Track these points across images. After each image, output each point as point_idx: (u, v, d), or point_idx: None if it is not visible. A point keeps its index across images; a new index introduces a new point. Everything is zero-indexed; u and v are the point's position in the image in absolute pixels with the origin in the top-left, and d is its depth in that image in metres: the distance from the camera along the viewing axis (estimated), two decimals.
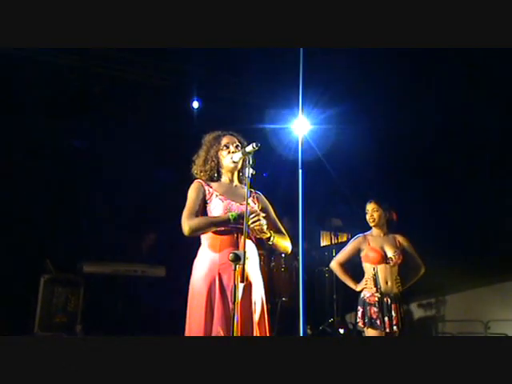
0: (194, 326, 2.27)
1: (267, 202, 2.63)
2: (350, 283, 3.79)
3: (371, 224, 3.81)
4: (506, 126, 5.16)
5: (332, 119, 6.95)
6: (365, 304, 3.62)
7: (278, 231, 2.50)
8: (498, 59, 4.54)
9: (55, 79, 5.68)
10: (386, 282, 3.63)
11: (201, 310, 2.25)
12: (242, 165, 2.55)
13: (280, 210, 2.67)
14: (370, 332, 3.57)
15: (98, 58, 5.89)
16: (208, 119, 5.88)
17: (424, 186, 6.12)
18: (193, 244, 2.47)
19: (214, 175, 2.56)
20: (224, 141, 2.57)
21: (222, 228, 2.36)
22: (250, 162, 2.27)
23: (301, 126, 6.76)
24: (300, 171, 6.39)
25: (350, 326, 6.22)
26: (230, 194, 2.48)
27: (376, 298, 3.59)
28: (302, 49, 4.29)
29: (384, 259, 3.65)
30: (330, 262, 4.13)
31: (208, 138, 2.63)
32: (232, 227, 2.35)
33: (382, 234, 3.79)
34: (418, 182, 6.15)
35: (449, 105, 5.62)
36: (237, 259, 2.07)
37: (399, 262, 3.69)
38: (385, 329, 3.51)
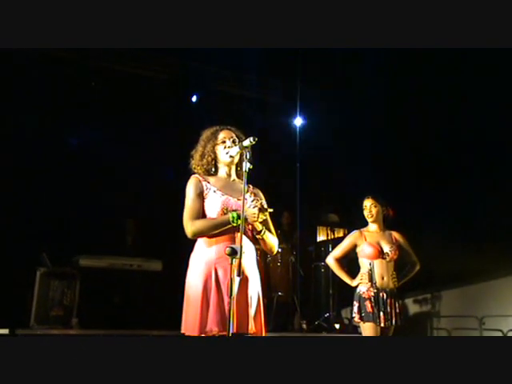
0: (189, 320, 2.28)
1: (263, 198, 2.63)
2: (346, 278, 3.81)
3: (369, 220, 3.82)
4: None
5: (330, 114, 6.97)
6: (361, 299, 3.63)
7: (268, 230, 2.48)
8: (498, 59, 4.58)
9: (52, 73, 5.68)
10: (382, 278, 3.65)
11: (196, 304, 2.26)
12: (240, 159, 2.55)
13: (279, 206, 2.67)
14: (365, 327, 3.59)
15: (96, 52, 5.88)
16: (206, 113, 5.87)
17: (419, 183, 6.15)
18: (189, 238, 2.47)
19: (211, 169, 2.56)
20: (221, 135, 2.57)
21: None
22: (248, 157, 2.27)
23: (299, 121, 6.78)
24: (298, 165, 6.44)
25: (346, 321, 6.25)
26: (227, 188, 2.48)
27: (372, 293, 3.61)
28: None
29: (380, 254, 3.67)
30: (326, 258, 4.15)
31: (206, 132, 2.63)
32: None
33: (378, 230, 3.81)
34: (413, 178, 6.17)
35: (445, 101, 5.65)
36: (233, 253, 2.07)
37: (395, 257, 3.71)
38: (380, 323, 3.54)
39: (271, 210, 2.35)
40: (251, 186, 2.57)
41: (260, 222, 2.36)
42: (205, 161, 2.54)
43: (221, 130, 2.60)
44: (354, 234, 3.85)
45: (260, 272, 2.48)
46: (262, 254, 5.81)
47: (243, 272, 2.20)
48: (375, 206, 3.80)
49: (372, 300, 3.58)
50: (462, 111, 5.52)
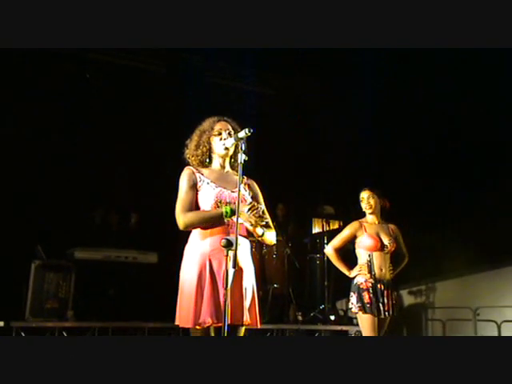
0: (184, 311, 2.27)
1: (258, 189, 2.62)
2: (344, 269, 3.80)
3: (368, 211, 3.80)
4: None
5: (328, 106, 6.97)
6: (359, 290, 3.63)
7: (266, 223, 2.47)
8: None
9: (50, 65, 5.65)
10: (381, 269, 3.65)
11: (191, 296, 2.25)
12: (235, 151, 2.53)
13: (275, 197, 2.66)
14: (363, 318, 3.59)
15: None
16: (203, 105, 5.85)
17: (414, 174, 6.16)
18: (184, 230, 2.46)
19: (206, 160, 2.54)
20: (217, 127, 2.55)
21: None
22: (243, 148, 2.26)
23: (295, 113, 6.76)
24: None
25: (341, 313, 6.27)
26: (221, 180, 2.47)
27: (370, 284, 3.61)
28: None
29: (381, 247, 3.67)
30: (321, 250, 4.16)
31: (203, 123, 2.61)
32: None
33: (376, 222, 3.81)
34: (407, 170, 6.18)
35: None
36: (229, 245, 2.07)
37: (393, 249, 3.72)
38: (379, 314, 3.55)
39: (263, 207, 2.32)
40: (245, 177, 2.56)
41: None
42: (199, 151, 2.53)
43: (217, 121, 2.58)
44: (354, 224, 3.83)
45: (254, 264, 2.48)
46: (258, 246, 5.82)
47: (238, 264, 2.20)
48: (373, 198, 3.79)
49: (370, 291, 3.59)
50: (460, 106, 5.52)
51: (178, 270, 2.41)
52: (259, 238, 2.45)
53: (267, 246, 5.96)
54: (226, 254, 2.10)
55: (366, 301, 3.58)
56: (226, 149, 2.48)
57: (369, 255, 3.66)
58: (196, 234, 2.39)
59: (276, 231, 2.59)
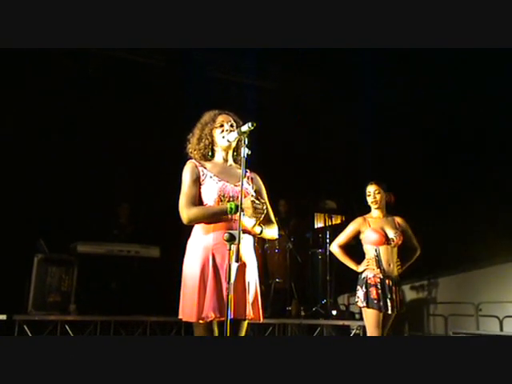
0: (187, 305, 2.27)
1: (261, 183, 2.61)
2: (352, 264, 3.79)
3: (374, 206, 3.79)
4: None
5: (329, 101, 6.94)
6: (367, 285, 3.62)
7: (268, 218, 2.46)
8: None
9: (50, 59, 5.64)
10: (389, 264, 3.64)
11: (194, 290, 2.24)
12: (237, 144, 2.52)
13: (277, 192, 2.65)
14: (368, 313, 3.58)
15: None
16: (204, 99, 5.83)
17: (418, 169, 6.14)
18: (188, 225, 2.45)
19: (208, 154, 2.53)
20: (219, 119, 2.54)
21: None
22: (246, 142, 2.24)
23: (297, 107, 6.74)
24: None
25: (343, 308, 6.28)
26: (224, 174, 2.45)
27: (378, 279, 3.59)
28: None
29: (386, 240, 3.66)
30: (323, 244, 4.15)
31: (204, 116, 2.59)
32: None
33: (381, 216, 3.79)
34: (411, 164, 6.17)
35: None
36: (232, 239, 2.06)
37: (399, 243, 3.70)
38: (386, 310, 3.54)
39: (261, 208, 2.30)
40: (249, 171, 2.55)
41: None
42: (202, 144, 2.51)
43: (219, 114, 2.57)
44: (358, 220, 3.82)
45: (257, 258, 2.47)
46: (260, 241, 5.82)
47: (241, 258, 2.19)
48: (379, 192, 3.78)
49: (378, 287, 3.57)
50: (465, 101, 5.51)
51: (180, 264, 2.40)
52: (258, 236, 2.43)
53: (268, 240, 5.97)
54: (228, 248, 2.09)
55: (372, 296, 3.56)
56: (229, 142, 2.47)
57: (376, 249, 3.65)
58: (199, 228, 2.38)
59: (278, 226, 2.58)
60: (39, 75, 5.70)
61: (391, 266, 3.64)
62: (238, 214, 2.14)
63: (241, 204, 2.16)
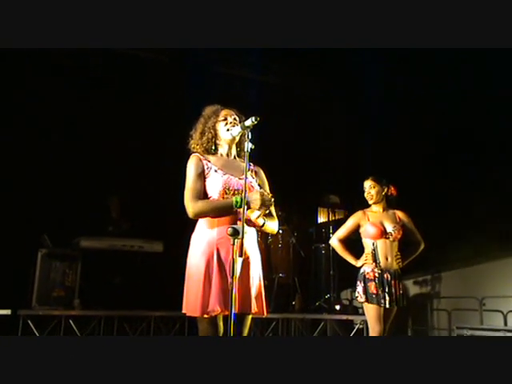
0: (191, 300, 2.26)
1: (264, 176, 2.61)
2: (351, 259, 3.80)
3: (370, 201, 3.82)
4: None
5: (333, 95, 6.92)
6: (365, 280, 3.63)
7: (269, 212, 2.46)
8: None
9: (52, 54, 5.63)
10: (386, 258, 3.64)
11: (198, 285, 2.24)
12: (240, 139, 2.51)
13: (280, 187, 2.64)
14: (369, 308, 3.59)
15: None
16: (206, 94, 5.81)
17: (421, 163, 6.13)
18: (190, 218, 2.45)
19: (211, 147, 2.51)
20: (222, 113, 2.53)
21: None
22: (249, 137, 2.24)
23: (300, 102, 6.71)
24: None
25: (346, 302, 6.28)
26: (228, 168, 2.45)
27: (376, 274, 3.60)
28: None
29: (383, 234, 3.66)
30: (327, 239, 4.16)
31: (206, 110, 2.59)
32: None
33: (381, 210, 3.80)
34: (414, 159, 6.15)
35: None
36: (235, 233, 2.06)
37: (399, 237, 3.70)
38: (385, 304, 3.54)
39: (270, 199, 2.31)
40: (252, 165, 2.55)
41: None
42: (205, 138, 2.50)
43: (221, 108, 2.57)
44: (357, 214, 3.84)
45: (260, 253, 2.47)
46: (263, 236, 5.82)
47: (245, 252, 2.19)
48: (374, 187, 3.78)
49: (376, 281, 3.58)
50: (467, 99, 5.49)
51: (184, 258, 2.40)
52: (260, 229, 2.43)
53: (272, 235, 5.97)
54: (232, 242, 2.09)
55: (371, 291, 3.57)
56: (232, 136, 2.46)
57: (373, 244, 3.66)
58: (203, 222, 2.37)
59: (280, 221, 2.59)
60: (40, 74, 5.70)
61: (389, 259, 3.64)
62: (242, 209, 2.14)
63: (244, 197, 2.15)
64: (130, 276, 5.26)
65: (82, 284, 4.93)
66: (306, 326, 5.64)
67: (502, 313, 4.84)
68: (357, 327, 5.28)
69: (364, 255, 3.73)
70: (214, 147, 2.52)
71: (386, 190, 3.82)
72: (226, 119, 2.51)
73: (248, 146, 2.22)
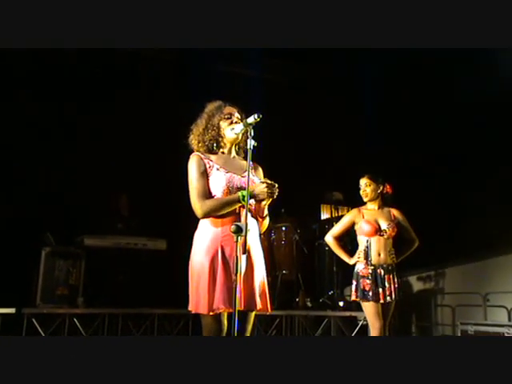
0: (198, 298, 2.24)
1: (263, 175, 2.59)
2: (344, 257, 3.86)
3: (365, 199, 3.87)
4: None
5: (333, 92, 6.90)
6: (358, 277, 3.68)
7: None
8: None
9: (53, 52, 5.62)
10: (379, 254, 3.67)
11: (204, 283, 2.23)
12: (242, 137, 2.50)
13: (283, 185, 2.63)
14: (365, 305, 3.64)
15: None
16: (207, 92, 5.80)
17: (422, 158, 6.12)
18: (193, 216, 2.45)
19: (213, 145, 2.47)
20: (226, 110, 2.50)
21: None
22: (252, 134, 2.23)
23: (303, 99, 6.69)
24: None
25: (350, 299, 6.27)
26: (229, 166, 2.43)
27: (369, 271, 3.64)
28: None
29: (378, 232, 3.69)
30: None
31: (209, 106, 2.55)
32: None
33: (376, 208, 3.84)
34: (415, 154, 6.14)
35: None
36: (239, 231, 2.06)
37: (393, 234, 3.73)
38: (379, 300, 3.56)
39: (277, 187, 2.31)
40: (252, 162, 2.53)
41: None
42: (208, 135, 2.46)
43: (224, 105, 2.54)
44: (353, 211, 3.90)
45: (263, 250, 2.47)
46: (266, 233, 5.82)
47: (248, 250, 2.19)
48: (369, 185, 3.82)
49: (369, 278, 3.62)
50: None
51: (187, 256, 2.39)
52: (261, 220, 2.43)
53: (275, 232, 5.97)
54: (235, 240, 2.09)
55: (364, 288, 3.61)
56: (236, 134, 2.44)
57: (367, 241, 3.69)
58: (207, 220, 2.35)
59: (284, 218, 2.59)
60: (44, 73, 5.71)
61: (382, 255, 3.67)
62: (246, 204, 2.14)
63: (247, 195, 2.15)
64: (133, 274, 5.27)
65: (85, 282, 4.94)
66: (309, 322, 5.64)
67: (506, 308, 4.83)
68: (360, 323, 5.28)
69: (357, 252, 3.76)
70: (216, 145, 2.48)
71: (381, 188, 3.84)
72: (230, 117, 2.48)
73: (251, 143, 2.21)
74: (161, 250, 5.43)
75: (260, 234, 2.48)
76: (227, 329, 2.24)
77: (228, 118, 2.48)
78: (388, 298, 3.59)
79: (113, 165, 5.82)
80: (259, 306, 2.29)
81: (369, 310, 3.60)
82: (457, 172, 5.72)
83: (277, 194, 2.29)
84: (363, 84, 6.30)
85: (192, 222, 2.46)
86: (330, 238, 3.94)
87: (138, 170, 5.92)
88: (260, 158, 2.52)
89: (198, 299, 2.24)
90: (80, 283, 4.91)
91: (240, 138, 2.49)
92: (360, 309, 5.56)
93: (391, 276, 3.66)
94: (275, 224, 6.00)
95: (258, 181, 2.42)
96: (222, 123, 2.48)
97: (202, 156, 2.42)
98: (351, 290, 3.74)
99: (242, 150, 2.56)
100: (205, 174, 2.38)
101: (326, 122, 6.98)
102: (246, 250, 2.08)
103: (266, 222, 2.47)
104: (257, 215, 2.41)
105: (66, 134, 5.87)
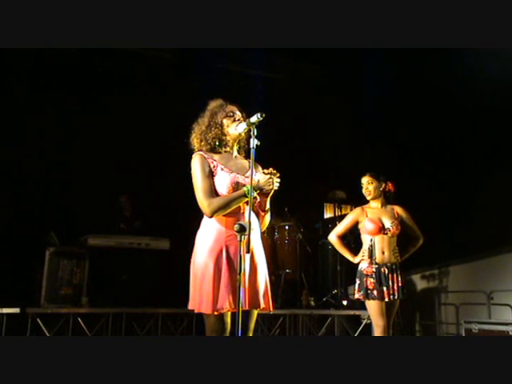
0: (201, 298, 2.23)
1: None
2: (348, 255, 3.85)
3: (367, 197, 3.85)
4: None
5: (336, 91, 6.89)
6: (361, 276, 3.67)
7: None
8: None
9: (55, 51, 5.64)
10: (383, 252, 3.66)
11: (209, 282, 2.22)
12: (244, 136, 2.49)
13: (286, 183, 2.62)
14: (369, 304, 3.63)
15: None
16: (209, 91, 5.80)
17: (424, 156, 6.11)
18: (196, 215, 2.45)
19: (216, 144, 2.46)
20: (229, 108, 2.50)
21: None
22: (255, 133, 2.23)
23: (305, 97, 6.67)
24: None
25: (353, 298, 6.27)
26: (232, 165, 2.43)
27: (373, 269, 3.62)
28: None
29: (381, 230, 3.67)
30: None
31: (212, 104, 2.54)
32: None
33: (379, 206, 3.82)
34: (418, 152, 6.13)
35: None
36: (242, 230, 2.06)
37: (397, 232, 3.72)
38: (383, 299, 3.55)
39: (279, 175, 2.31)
40: (250, 162, 2.51)
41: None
42: (211, 134, 2.45)
43: (225, 104, 2.53)
44: (356, 210, 3.89)
45: (265, 249, 2.46)
46: (269, 232, 5.82)
47: (251, 249, 2.19)
48: (371, 183, 3.81)
49: (373, 276, 3.61)
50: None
51: (190, 255, 2.39)
52: (263, 214, 2.43)
53: (278, 230, 5.97)
54: (239, 239, 2.08)
55: (368, 286, 3.60)
56: (238, 133, 2.44)
57: (371, 240, 3.68)
58: (209, 219, 2.35)
59: (287, 217, 2.59)
60: (48, 73, 5.72)
61: (386, 253, 3.66)
62: (250, 202, 2.14)
63: (251, 193, 2.15)
64: (137, 273, 5.28)
65: (89, 282, 4.95)
66: (313, 321, 5.64)
67: (511, 307, 4.81)
68: (364, 322, 5.27)
69: (361, 251, 3.75)
70: (218, 143, 2.47)
71: (383, 185, 3.83)
72: (232, 115, 2.48)
73: (254, 142, 2.21)
74: (164, 249, 5.43)
75: (261, 233, 2.48)
76: (230, 328, 2.23)
77: (231, 116, 2.48)
78: (392, 297, 3.59)
79: (115, 165, 5.82)
80: (263, 305, 2.29)
81: (372, 308, 3.59)
82: (461, 169, 5.71)
83: (279, 180, 2.30)
84: (368, 83, 6.29)
85: (194, 221, 2.46)
86: (333, 237, 3.94)
87: (140, 170, 5.93)
88: (263, 156, 2.52)
89: (202, 299, 2.23)
90: (84, 283, 4.93)
91: (242, 136, 2.49)
92: (364, 307, 5.58)
93: (395, 275, 3.65)
94: (278, 223, 6.00)
95: (260, 177, 2.39)
96: (225, 121, 2.47)
97: (206, 155, 2.41)
98: (354, 289, 3.73)
99: (242, 149, 2.56)
100: (210, 174, 2.37)
101: (328, 121, 6.98)
102: (249, 249, 2.08)
103: (268, 216, 2.47)
104: (259, 209, 2.41)
105: (69, 134, 5.89)
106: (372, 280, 3.60)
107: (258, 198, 2.36)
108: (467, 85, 5.34)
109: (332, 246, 6.06)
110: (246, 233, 2.06)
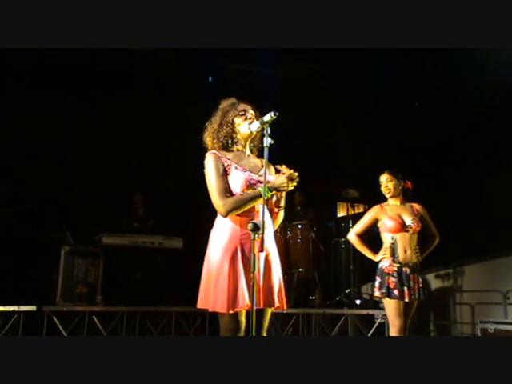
0: (216, 296, 2.22)
1: (274, 173, 2.58)
2: (368, 254, 3.80)
3: (387, 195, 3.81)
4: None
5: (348, 88, 6.85)
6: (383, 274, 3.62)
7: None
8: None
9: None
10: (405, 251, 3.62)
11: (224, 281, 2.21)
12: (257, 135, 2.49)
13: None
14: (388, 302, 3.57)
15: None
16: (220, 90, 5.79)
17: (441, 155, 6.05)
18: (209, 214, 2.45)
19: (228, 142, 2.46)
20: (241, 107, 2.50)
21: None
22: (268, 132, 2.22)
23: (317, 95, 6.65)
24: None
25: (367, 297, 6.24)
26: (246, 164, 2.44)
27: (395, 268, 3.58)
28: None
29: (403, 227, 3.64)
30: (346, 233, 4.15)
31: (224, 103, 2.55)
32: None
33: (398, 203, 3.79)
34: (434, 151, 6.08)
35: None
36: (256, 229, 2.06)
37: (418, 229, 3.68)
38: (403, 298, 3.52)
39: (297, 175, 2.31)
40: (262, 161, 2.51)
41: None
42: (223, 132, 2.45)
43: (239, 102, 2.54)
44: (375, 208, 3.83)
45: (278, 247, 2.46)
46: (282, 231, 5.81)
47: (266, 248, 2.19)
48: (391, 181, 3.78)
49: (395, 275, 3.56)
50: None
51: (203, 254, 2.39)
52: (277, 210, 2.44)
53: (291, 230, 5.96)
54: (252, 238, 2.09)
55: (389, 286, 3.56)
56: (251, 131, 2.44)
57: (392, 238, 3.64)
58: (224, 218, 2.34)
59: (299, 216, 2.60)
60: (62, 72, 5.76)
61: (408, 252, 3.62)
62: (263, 202, 2.14)
63: (264, 192, 2.15)
64: (150, 272, 5.32)
65: (104, 280, 5.00)
66: (326, 320, 5.63)
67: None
68: (378, 322, 5.25)
69: (382, 249, 3.71)
70: (230, 141, 2.47)
71: (402, 183, 3.81)
72: (244, 113, 2.48)
73: (267, 141, 2.21)
74: (177, 248, 5.46)
75: (274, 232, 2.48)
76: (245, 327, 2.24)
77: (242, 115, 2.47)
78: (412, 297, 3.55)
79: (129, 165, 5.86)
80: (277, 303, 2.30)
81: (391, 307, 3.55)
82: (476, 169, 5.65)
83: (297, 179, 2.30)
84: (378, 82, 6.25)
85: (207, 220, 2.47)
86: (352, 236, 3.90)
87: (153, 170, 5.96)
88: (275, 155, 2.52)
89: (217, 297, 2.22)
90: (99, 281, 4.98)
91: (255, 135, 2.49)
92: (377, 307, 5.57)
93: (416, 275, 3.61)
94: (291, 222, 5.99)
95: (272, 178, 2.39)
96: (236, 119, 2.47)
97: (219, 154, 2.41)
98: (374, 287, 3.68)
99: (255, 148, 2.56)
100: (224, 173, 2.37)
101: (341, 120, 6.95)
102: (263, 248, 2.08)
103: (282, 214, 2.48)
104: (274, 206, 2.42)
105: (87, 134, 5.93)
106: (393, 279, 3.56)
107: (273, 197, 2.37)
108: (467, 85, 5.30)
109: (345, 244, 6.12)
110: (260, 231, 2.06)
